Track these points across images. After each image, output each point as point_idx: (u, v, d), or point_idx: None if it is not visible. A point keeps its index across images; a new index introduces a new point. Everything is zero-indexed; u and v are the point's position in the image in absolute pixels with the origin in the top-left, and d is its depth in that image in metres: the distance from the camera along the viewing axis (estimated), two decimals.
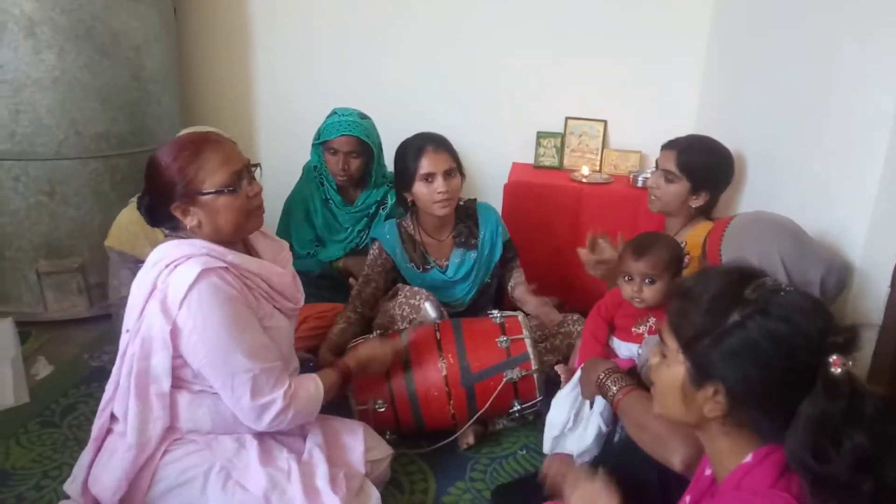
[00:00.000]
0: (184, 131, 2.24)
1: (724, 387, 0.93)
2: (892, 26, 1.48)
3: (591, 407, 1.68)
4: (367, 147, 2.57)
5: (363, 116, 2.61)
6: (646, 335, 1.79)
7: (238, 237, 1.59)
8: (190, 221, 1.49)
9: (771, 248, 1.51)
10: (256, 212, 1.56)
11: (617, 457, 1.55)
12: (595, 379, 1.52)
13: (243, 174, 1.52)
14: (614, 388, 1.46)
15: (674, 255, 1.74)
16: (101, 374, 2.27)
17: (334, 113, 2.61)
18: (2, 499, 1.82)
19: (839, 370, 0.85)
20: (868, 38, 1.60)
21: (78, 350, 2.58)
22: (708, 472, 1.05)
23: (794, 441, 0.86)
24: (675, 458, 1.24)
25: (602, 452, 1.66)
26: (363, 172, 2.64)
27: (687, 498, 1.08)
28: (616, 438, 1.62)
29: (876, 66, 1.55)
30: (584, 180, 2.90)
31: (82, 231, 2.69)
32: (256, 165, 1.60)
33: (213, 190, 1.47)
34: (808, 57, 1.93)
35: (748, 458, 0.93)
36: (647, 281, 1.72)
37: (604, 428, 1.65)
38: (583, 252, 2.09)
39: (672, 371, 0.99)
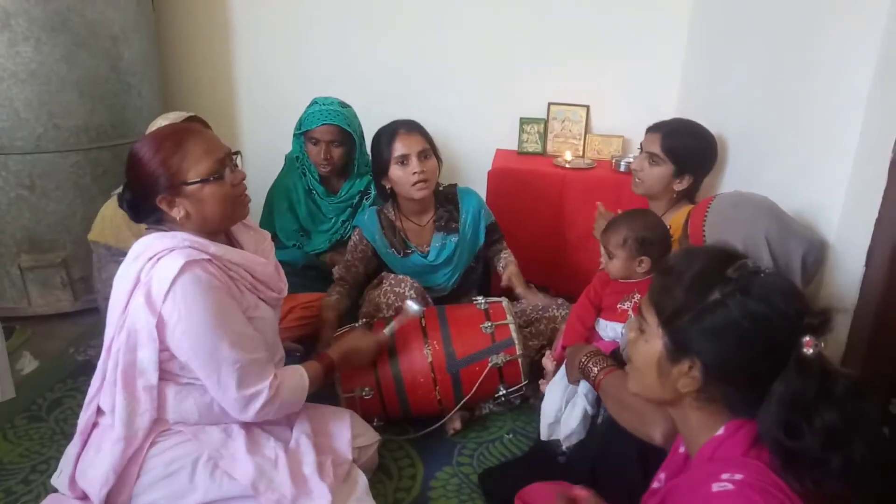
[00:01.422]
0: (160, 117, 2.22)
1: (700, 362, 0.95)
2: (867, 11, 1.50)
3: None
4: (348, 136, 2.57)
5: (344, 105, 2.60)
6: (630, 313, 1.81)
7: (226, 226, 1.59)
8: (177, 213, 1.49)
9: (756, 231, 1.53)
10: (241, 199, 1.57)
11: (600, 438, 1.57)
12: (578, 363, 1.54)
13: (226, 162, 1.52)
14: (595, 370, 1.48)
15: (637, 236, 1.75)
16: (87, 369, 2.27)
17: (315, 102, 2.60)
18: None
19: (811, 351, 0.88)
20: (844, 22, 1.62)
21: (63, 344, 2.57)
22: (682, 449, 1.08)
23: (767, 418, 0.89)
24: (656, 433, 1.26)
25: (587, 435, 1.68)
26: (346, 161, 2.64)
27: (661, 475, 1.10)
28: (599, 420, 1.65)
29: (851, 50, 1.56)
30: (567, 165, 2.91)
31: (64, 225, 2.68)
32: (237, 153, 1.59)
33: (197, 179, 1.46)
34: (787, 41, 1.95)
35: (720, 430, 0.96)
36: (608, 255, 1.77)
37: (589, 410, 1.67)
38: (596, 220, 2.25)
39: (650, 345, 1.01)
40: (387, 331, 1.96)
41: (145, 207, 1.51)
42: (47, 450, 1.99)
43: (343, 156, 2.60)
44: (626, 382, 1.28)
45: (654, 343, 1.00)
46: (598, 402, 1.67)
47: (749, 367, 0.92)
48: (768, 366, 0.90)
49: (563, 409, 1.76)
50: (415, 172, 2.22)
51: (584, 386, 1.66)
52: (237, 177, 1.54)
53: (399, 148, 2.23)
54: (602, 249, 1.85)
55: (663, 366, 0.99)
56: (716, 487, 0.86)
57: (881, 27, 1.44)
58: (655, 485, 1.10)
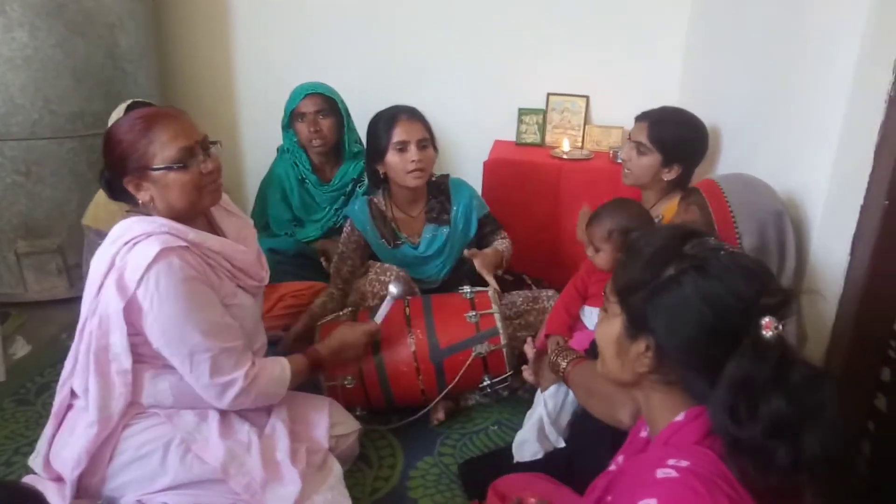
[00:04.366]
0: (122, 105, 2.20)
1: (654, 341, 0.92)
2: (852, 3, 1.46)
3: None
4: (333, 105, 2.56)
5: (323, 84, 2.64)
6: None
7: (192, 214, 1.55)
8: (143, 196, 1.48)
9: (777, 204, 1.54)
10: (210, 187, 1.52)
11: (575, 427, 1.55)
12: (548, 360, 1.52)
13: (196, 150, 1.48)
14: (563, 363, 1.45)
15: (621, 228, 1.72)
16: None
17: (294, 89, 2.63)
18: None
19: (770, 333, 0.84)
20: (830, 14, 1.58)
21: (57, 330, 2.59)
22: (643, 433, 1.05)
23: (715, 400, 0.85)
24: (624, 414, 1.24)
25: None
26: (337, 138, 2.62)
27: (619, 458, 1.07)
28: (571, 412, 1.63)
29: (835, 35, 1.53)
30: (564, 157, 2.87)
31: (60, 211, 2.69)
32: (215, 142, 1.57)
33: (162, 166, 1.45)
34: (776, 28, 1.91)
35: (680, 416, 0.92)
36: (594, 249, 1.75)
37: (546, 419, 1.65)
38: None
39: (611, 324, 0.98)
40: (377, 318, 1.92)
41: (118, 187, 1.51)
42: (32, 432, 2.00)
43: (334, 130, 2.59)
44: (593, 370, 1.26)
45: (615, 321, 0.98)
46: (569, 427, 1.66)
47: (703, 348, 0.88)
48: (725, 349, 0.85)
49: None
50: (412, 161, 2.19)
51: (547, 398, 1.64)
52: (208, 166, 1.50)
53: (399, 134, 2.20)
54: (586, 242, 1.83)
55: (622, 344, 0.97)
56: (660, 474, 0.83)
57: (864, 8, 1.40)
58: (612, 467, 1.07)
